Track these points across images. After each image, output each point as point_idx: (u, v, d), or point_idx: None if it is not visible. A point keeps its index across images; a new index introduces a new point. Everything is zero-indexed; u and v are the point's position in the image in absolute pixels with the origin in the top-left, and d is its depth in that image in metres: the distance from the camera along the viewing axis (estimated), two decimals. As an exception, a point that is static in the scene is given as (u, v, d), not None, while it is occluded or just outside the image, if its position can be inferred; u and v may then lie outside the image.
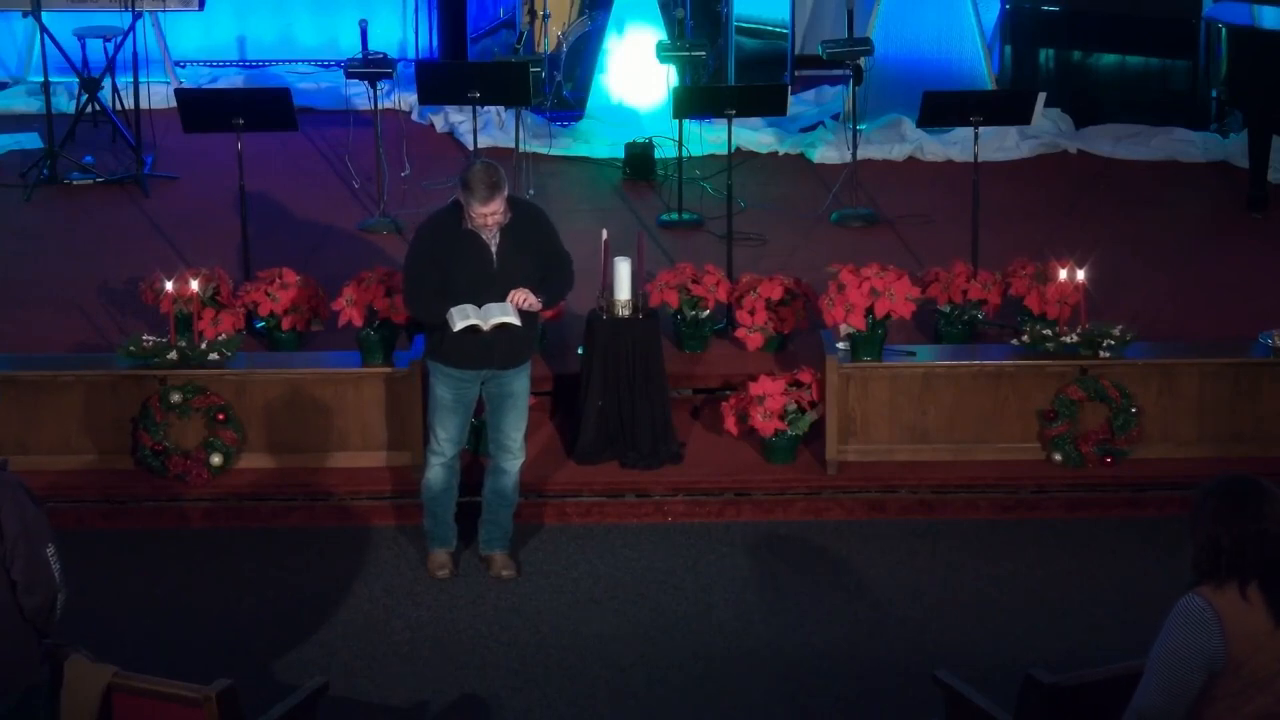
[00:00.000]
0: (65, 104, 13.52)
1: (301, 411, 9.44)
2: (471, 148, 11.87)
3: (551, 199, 12.36)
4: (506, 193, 8.22)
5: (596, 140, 13.45)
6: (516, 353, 8.46)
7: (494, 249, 8.29)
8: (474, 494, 8.84)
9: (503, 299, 8.29)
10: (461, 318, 8.25)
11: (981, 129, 11.09)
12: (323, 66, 14.94)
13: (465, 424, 8.60)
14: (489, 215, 8.19)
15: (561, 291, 8.60)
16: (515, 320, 8.26)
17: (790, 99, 12.26)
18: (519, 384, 8.52)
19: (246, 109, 10.92)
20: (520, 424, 8.58)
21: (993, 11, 14.06)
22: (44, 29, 12.84)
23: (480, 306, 8.27)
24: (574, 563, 8.88)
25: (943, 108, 11.24)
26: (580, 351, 9.67)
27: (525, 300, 8.30)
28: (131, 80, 13.00)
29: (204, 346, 9.43)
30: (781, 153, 13.56)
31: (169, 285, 9.63)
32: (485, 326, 8.24)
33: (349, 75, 12.58)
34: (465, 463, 8.92)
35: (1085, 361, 9.45)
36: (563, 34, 13.89)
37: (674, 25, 13.20)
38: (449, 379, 8.44)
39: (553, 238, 8.53)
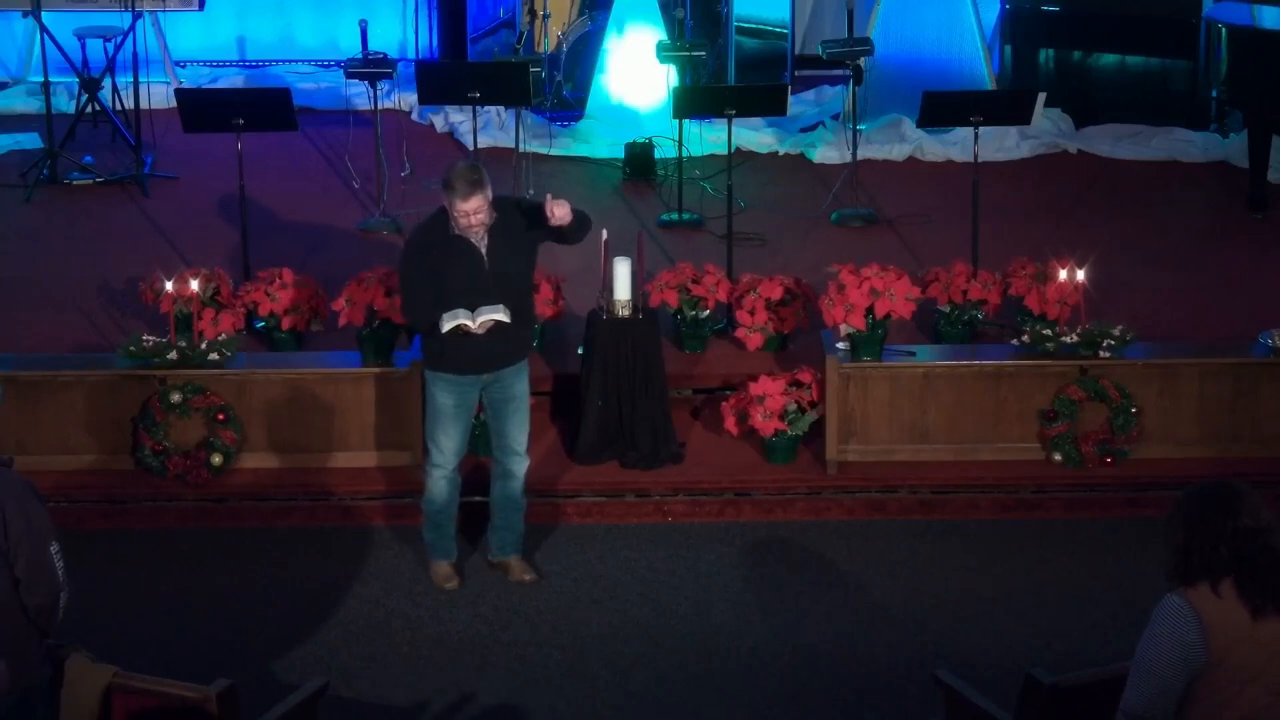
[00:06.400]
0: (65, 104, 13.51)
1: (301, 411, 9.44)
2: (471, 148, 11.86)
3: (551, 199, 12.36)
4: (490, 192, 8.16)
5: (596, 140, 13.45)
6: (515, 351, 8.44)
7: (484, 250, 8.26)
8: (474, 494, 8.83)
9: (498, 300, 8.24)
10: (451, 319, 8.23)
11: (981, 129, 11.09)
12: (323, 66, 14.93)
13: (467, 431, 8.56)
14: (472, 214, 8.12)
15: (585, 226, 8.41)
16: (505, 318, 8.22)
17: (790, 99, 12.25)
18: (520, 386, 8.50)
19: (246, 109, 10.91)
20: (524, 426, 8.56)
21: (993, 11, 14.05)
22: (44, 29, 12.84)
23: (473, 310, 8.24)
24: (574, 563, 8.88)
25: (943, 108, 11.25)
26: (580, 351, 9.67)
27: (559, 210, 8.12)
28: (131, 80, 12.99)
29: (204, 346, 9.42)
30: (781, 153, 13.55)
31: (169, 285, 9.64)
32: (474, 325, 8.22)
33: (349, 75, 12.58)
34: (468, 465, 8.89)
35: (1085, 361, 9.45)
36: (563, 34, 13.89)
37: (674, 25, 13.19)
38: (451, 385, 8.41)
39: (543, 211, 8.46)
